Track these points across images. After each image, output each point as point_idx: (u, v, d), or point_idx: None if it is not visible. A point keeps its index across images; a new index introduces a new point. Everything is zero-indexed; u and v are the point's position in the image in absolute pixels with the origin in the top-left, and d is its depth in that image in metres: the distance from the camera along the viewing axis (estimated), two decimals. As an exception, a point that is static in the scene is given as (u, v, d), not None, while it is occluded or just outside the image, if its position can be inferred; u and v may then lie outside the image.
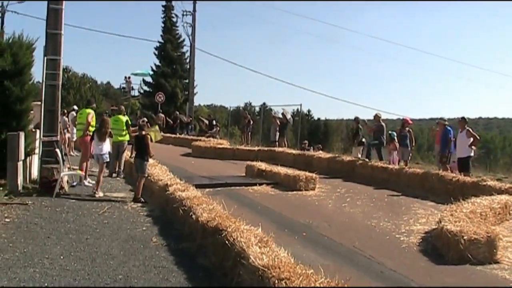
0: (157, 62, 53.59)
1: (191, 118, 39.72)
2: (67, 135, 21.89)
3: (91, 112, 15.54)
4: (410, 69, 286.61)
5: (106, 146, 14.16)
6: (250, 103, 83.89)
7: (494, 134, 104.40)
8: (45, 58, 13.94)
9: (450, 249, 8.76)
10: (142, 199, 12.91)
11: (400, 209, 13.32)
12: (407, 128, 19.85)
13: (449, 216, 9.92)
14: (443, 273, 8.10)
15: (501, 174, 21.80)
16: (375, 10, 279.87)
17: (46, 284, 6.63)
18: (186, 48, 51.92)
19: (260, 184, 16.09)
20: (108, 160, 14.21)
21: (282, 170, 17.17)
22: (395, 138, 19.47)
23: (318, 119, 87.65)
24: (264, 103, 44.06)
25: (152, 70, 53.60)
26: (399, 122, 22.95)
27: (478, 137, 16.79)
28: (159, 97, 42.23)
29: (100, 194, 13.61)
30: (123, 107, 19.30)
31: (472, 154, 16.72)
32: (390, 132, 19.91)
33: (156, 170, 14.67)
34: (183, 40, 53.05)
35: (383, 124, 20.40)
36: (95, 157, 14.44)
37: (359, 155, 21.00)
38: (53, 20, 14.06)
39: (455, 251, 8.63)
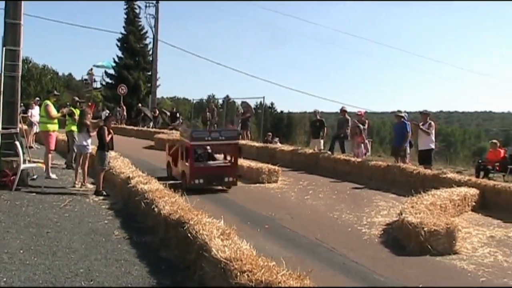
0: (120, 54, 53.07)
1: (158, 112, 39.34)
2: (35, 127, 21.54)
3: (47, 104, 15.24)
4: (372, 63, 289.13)
5: (87, 137, 13.86)
6: (214, 96, 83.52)
7: (455, 128, 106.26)
8: (4, 48, 13.67)
9: (410, 241, 8.89)
10: (104, 192, 12.79)
11: (362, 201, 13.43)
12: (367, 121, 20.06)
13: (410, 208, 10.05)
14: (404, 264, 8.21)
15: (461, 167, 22.15)
16: (340, 3, 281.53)
17: (5, 279, 6.52)
18: (149, 40, 51.40)
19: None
20: (90, 151, 13.95)
21: (245, 162, 17.14)
22: (362, 131, 19.55)
23: (281, 111, 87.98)
24: (227, 96, 43.86)
25: (115, 62, 53.05)
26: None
27: (428, 132, 16.74)
28: (122, 89, 41.76)
29: (88, 186, 13.65)
30: (76, 98, 18.86)
31: (433, 147, 16.90)
32: (358, 125, 19.99)
33: (118, 162, 14.52)
34: (146, 32, 52.51)
35: (348, 117, 20.56)
36: (77, 149, 14.27)
37: (322, 148, 21.07)
38: (12, 10, 13.79)
39: (415, 243, 8.76)
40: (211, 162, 15.19)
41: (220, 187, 14.47)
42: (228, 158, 15.34)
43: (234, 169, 14.71)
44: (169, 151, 16.43)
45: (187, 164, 14.15)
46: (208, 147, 15.37)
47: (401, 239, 9.25)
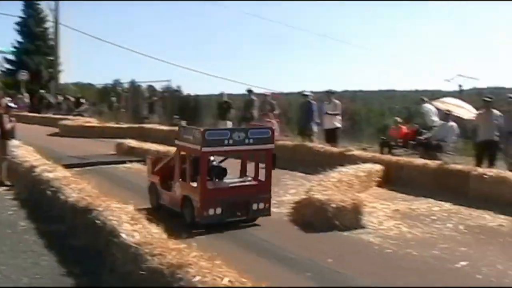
0: (19, 39, 51.11)
1: (62, 98, 38.21)
2: None
3: None
4: (277, 43, 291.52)
5: None
6: (119, 80, 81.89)
7: (360, 107, 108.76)
8: None
9: (318, 217, 9.07)
10: (8, 182, 12.36)
11: (270, 181, 13.56)
12: (274, 102, 20.30)
13: (317, 186, 10.25)
14: (313, 240, 8.40)
15: (365, 144, 22.72)
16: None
17: None
18: (50, 24, 49.73)
19: (131, 162, 15.84)
20: None
21: (152, 146, 16.97)
22: (270, 110, 19.67)
23: (188, 94, 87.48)
24: (133, 80, 43.10)
25: (14, 47, 51.01)
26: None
27: (334, 114, 17.24)
28: (23, 75, 40.34)
29: None
30: None
31: (339, 125, 17.32)
32: (265, 105, 20.10)
33: (21, 151, 14.00)
34: (47, 15, 50.76)
35: (254, 98, 20.71)
36: None
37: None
38: None
39: (323, 219, 8.95)
40: (228, 180, 9.73)
41: (129, 173, 13.87)
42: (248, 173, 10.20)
43: (266, 190, 9.43)
44: (153, 168, 10.47)
45: (194, 185, 9.03)
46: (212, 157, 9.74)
47: (310, 216, 9.39)
